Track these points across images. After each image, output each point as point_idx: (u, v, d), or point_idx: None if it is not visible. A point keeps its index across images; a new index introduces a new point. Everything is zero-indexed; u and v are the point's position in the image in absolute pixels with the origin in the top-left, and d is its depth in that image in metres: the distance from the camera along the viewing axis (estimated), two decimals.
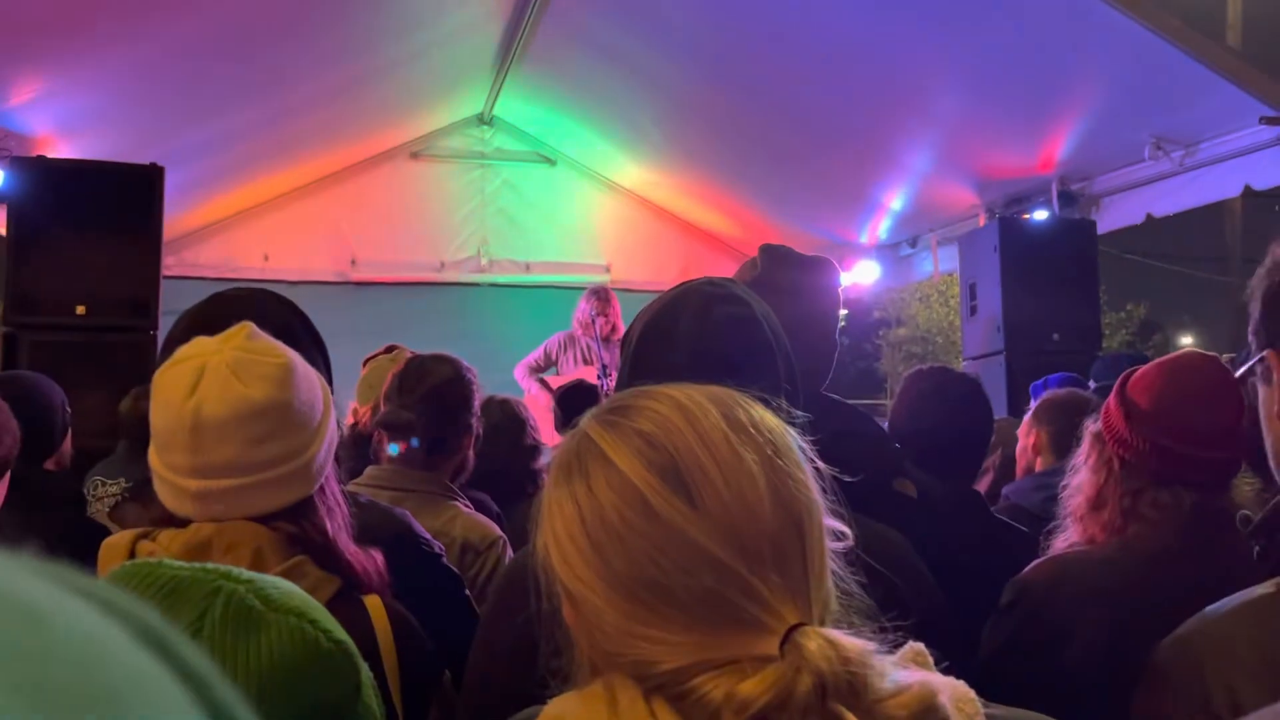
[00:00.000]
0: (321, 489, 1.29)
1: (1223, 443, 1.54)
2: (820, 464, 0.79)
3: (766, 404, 0.81)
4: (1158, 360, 1.65)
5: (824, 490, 0.78)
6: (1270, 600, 0.94)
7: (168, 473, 1.19)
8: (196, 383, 1.19)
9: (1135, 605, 1.45)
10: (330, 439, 1.29)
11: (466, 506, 2.15)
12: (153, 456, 1.22)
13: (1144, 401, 1.57)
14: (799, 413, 0.85)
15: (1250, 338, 0.98)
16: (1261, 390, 0.98)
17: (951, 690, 0.74)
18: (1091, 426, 1.66)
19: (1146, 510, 1.54)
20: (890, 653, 0.75)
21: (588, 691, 0.74)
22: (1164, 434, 1.53)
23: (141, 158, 4.45)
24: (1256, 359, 0.97)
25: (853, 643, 0.69)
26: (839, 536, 0.78)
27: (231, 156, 5.84)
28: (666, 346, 1.22)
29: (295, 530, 1.22)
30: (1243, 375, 1.00)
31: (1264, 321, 0.98)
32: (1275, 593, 0.94)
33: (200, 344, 1.24)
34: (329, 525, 1.27)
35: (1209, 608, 1.01)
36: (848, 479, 0.82)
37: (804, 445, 0.79)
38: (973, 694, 0.76)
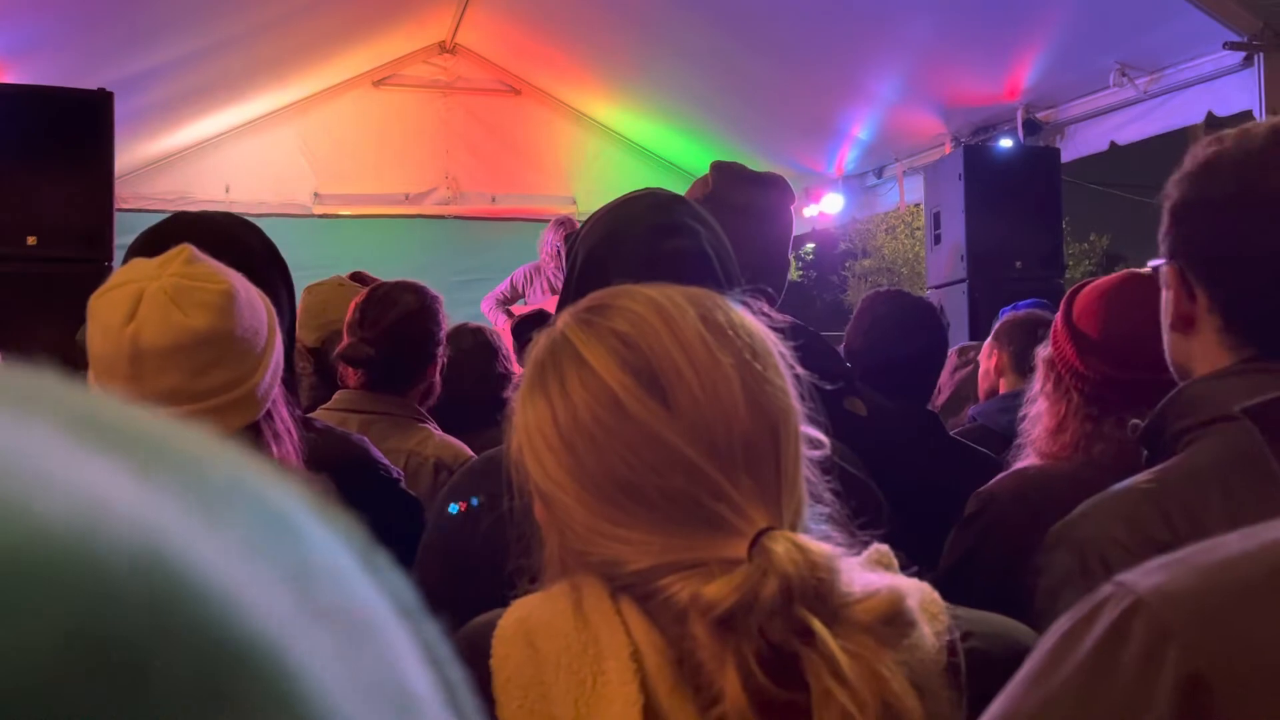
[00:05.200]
0: (269, 414, 1.27)
1: None
2: (800, 370, 0.78)
3: (748, 307, 0.80)
4: (1098, 285, 1.62)
5: (802, 397, 0.77)
6: (1147, 483, 1.03)
7: None
8: (134, 309, 1.15)
9: None
10: (276, 365, 1.27)
11: (436, 429, 2.16)
12: (92, 383, 1.18)
13: (1093, 331, 1.56)
14: (779, 316, 0.83)
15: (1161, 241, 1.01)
16: (1163, 295, 1.01)
17: (919, 593, 0.75)
18: (1043, 352, 1.64)
19: (1111, 431, 1.54)
20: (856, 554, 0.75)
21: (553, 591, 0.74)
22: (1117, 364, 1.53)
23: (90, 85, 4.32)
24: (1163, 263, 1.00)
25: (820, 547, 0.69)
26: (815, 444, 0.78)
27: (186, 85, 5.67)
28: (609, 281, 1.20)
29: None
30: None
31: (1171, 230, 1.03)
32: (1152, 478, 1.04)
33: (138, 267, 1.20)
34: (275, 451, 1.25)
35: (1097, 495, 1.09)
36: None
37: (784, 351, 0.78)
38: (937, 596, 0.77)
